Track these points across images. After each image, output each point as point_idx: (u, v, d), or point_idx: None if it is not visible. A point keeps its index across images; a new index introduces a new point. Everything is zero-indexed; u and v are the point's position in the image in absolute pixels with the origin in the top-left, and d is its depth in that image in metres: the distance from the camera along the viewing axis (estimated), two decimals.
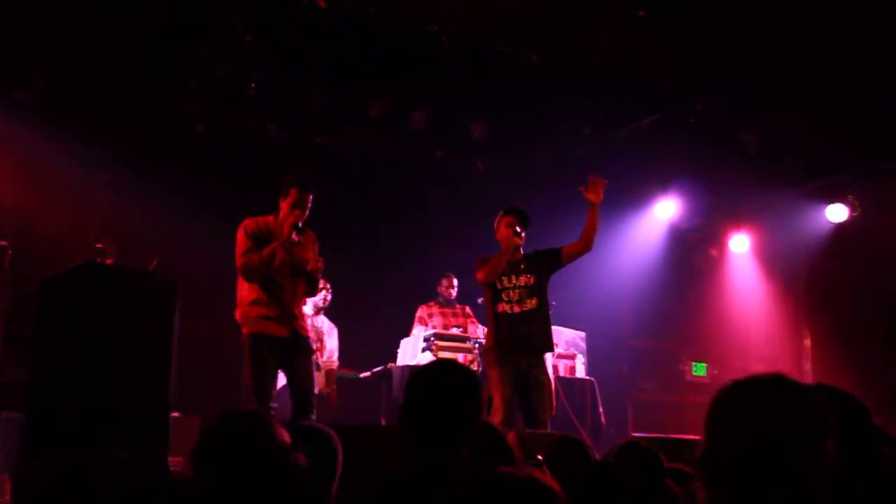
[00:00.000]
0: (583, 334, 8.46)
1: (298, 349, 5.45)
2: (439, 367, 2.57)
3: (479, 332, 7.73)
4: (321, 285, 6.33)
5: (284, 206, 5.47)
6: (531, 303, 5.87)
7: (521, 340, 5.77)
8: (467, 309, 8.24)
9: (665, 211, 9.94)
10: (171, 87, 7.79)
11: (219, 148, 8.50)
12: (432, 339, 7.75)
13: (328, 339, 7.84)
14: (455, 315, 8.18)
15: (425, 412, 2.40)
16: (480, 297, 6.68)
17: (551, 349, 6.09)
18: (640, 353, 10.28)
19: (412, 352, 7.99)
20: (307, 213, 5.47)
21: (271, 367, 5.32)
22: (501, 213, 6.04)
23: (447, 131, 8.67)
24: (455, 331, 7.95)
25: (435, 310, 7.88)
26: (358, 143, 8.83)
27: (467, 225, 9.09)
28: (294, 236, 5.37)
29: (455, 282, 8.21)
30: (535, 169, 9.38)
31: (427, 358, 7.50)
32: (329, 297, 7.60)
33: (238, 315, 5.44)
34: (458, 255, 8.48)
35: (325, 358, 7.78)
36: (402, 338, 8.17)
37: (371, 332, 8.73)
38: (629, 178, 8.56)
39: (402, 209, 9.63)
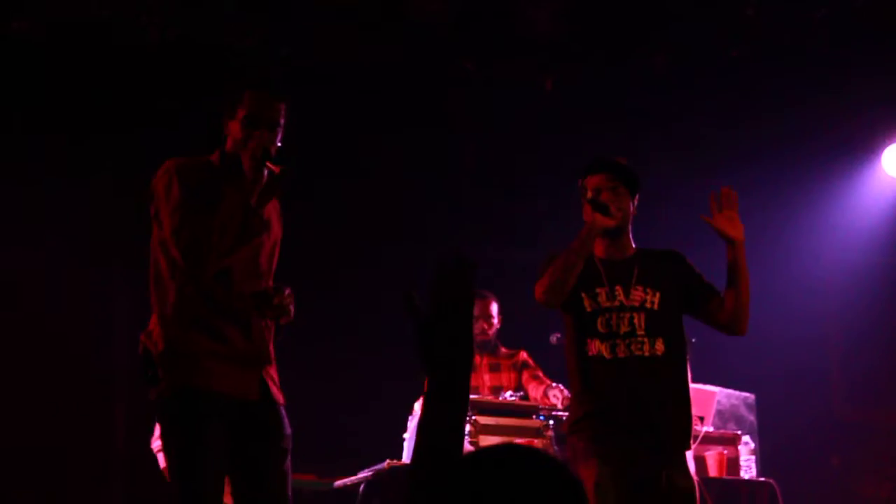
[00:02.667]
0: (750, 398, 6.74)
1: (267, 426, 3.78)
2: (509, 467, 1.87)
3: (553, 396, 6.08)
4: None
5: (236, 127, 3.86)
6: (654, 343, 4.16)
7: (637, 416, 4.12)
8: (522, 356, 6.48)
9: None
10: None
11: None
12: (468, 412, 5.60)
13: None
14: (496, 369, 6.51)
15: None
16: (556, 331, 5.48)
17: (688, 444, 4.30)
18: (860, 433, 8.52)
19: None
20: (279, 137, 3.86)
21: (221, 455, 3.66)
22: (584, 171, 4.36)
23: None
24: (509, 396, 6.01)
25: None
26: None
27: (521, 197, 7.72)
28: (272, 171, 3.81)
29: (494, 308, 6.43)
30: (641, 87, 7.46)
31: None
32: None
33: (157, 345, 3.72)
34: (507, 254, 7.32)
35: None
36: (407, 416, 6.26)
37: (351, 405, 7.29)
38: (829, 109, 7.29)
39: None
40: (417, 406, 6.12)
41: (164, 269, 3.78)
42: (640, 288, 4.22)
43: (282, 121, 3.93)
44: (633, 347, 4.15)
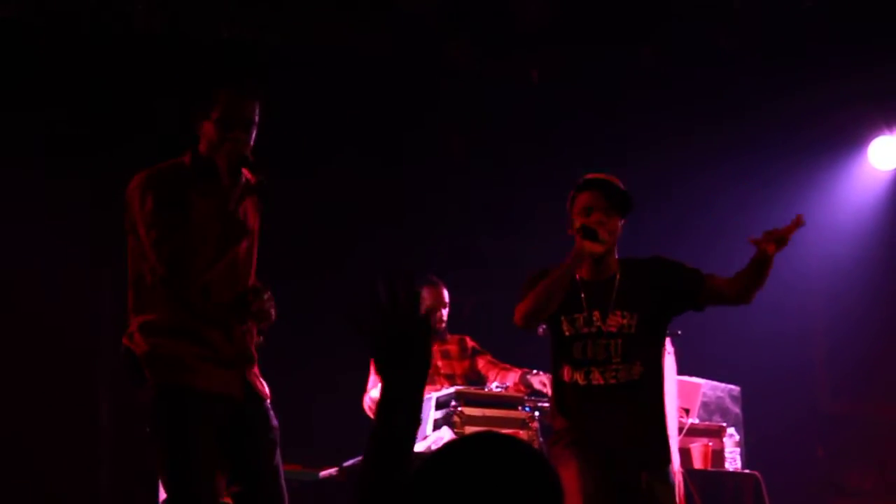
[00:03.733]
0: (735, 390, 6.71)
1: (254, 423, 3.87)
2: (494, 454, 1.89)
3: (538, 384, 5.94)
4: None
5: (210, 127, 3.85)
6: (630, 369, 4.20)
7: (609, 441, 4.18)
8: (470, 342, 6.34)
9: (892, 153, 8.10)
10: None
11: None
12: (453, 403, 5.73)
13: None
14: (448, 356, 6.34)
15: None
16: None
17: (668, 460, 4.36)
18: (845, 425, 8.55)
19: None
20: (253, 137, 3.87)
21: (211, 452, 3.76)
22: (574, 188, 4.30)
23: None
24: (495, 388, 5.95)
25: None
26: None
27: (498, 187, 7.54)
28: (247, 178, 3.85)
29: (446, 296, 6.24)
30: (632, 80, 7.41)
31: (446, 439, 5.64)
32: None
33: (140, 347, 3.78)
34: (494, 245, 7.39)
35: None
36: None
37: (334, 394, 7.03)
38: (815, 102, 7.26)
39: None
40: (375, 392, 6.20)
41: (146, 277, 3.80)
42: (618, 313, 4.21)
43: (256, 119, 3.90)
44: (607, 375, 4.16)
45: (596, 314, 4.22)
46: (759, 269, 4.20)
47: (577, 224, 4.18)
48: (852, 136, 8.10)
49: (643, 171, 6.64)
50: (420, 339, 2.07)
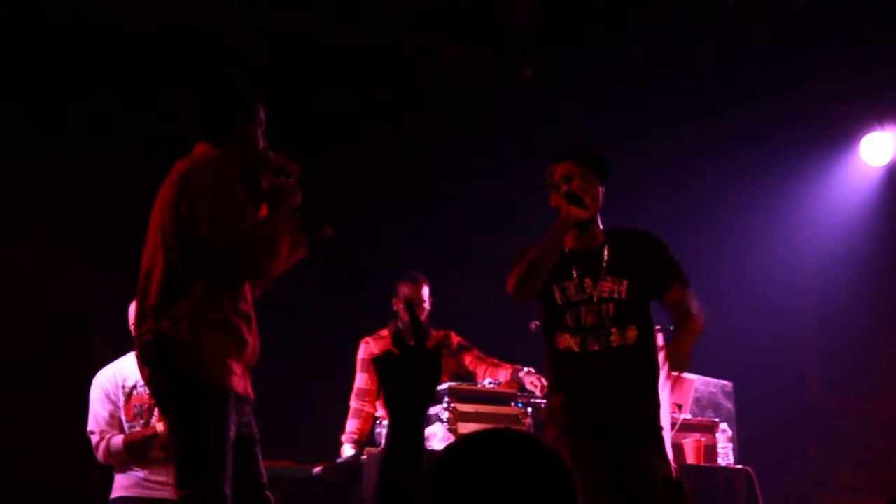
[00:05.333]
0: (728, 385, 6.67)
1: (249, 418, 3.93)
2: (510, 451, 1.91)
3: (529, 384, 5.86)
4: None
5: (254, 131, 3.96)
6: (624, 333, 4.16)
7: (606, 409, 4.14)
8: (456, 339, 6.21)
9: (883, 149, 8.04)
10: None
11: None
12: (446, 399, 5.54)
13: None
14: None
15: None
16: (534, 318, 4.97)
17: (659, 426, 4.32)
18: (837, 422, 8.56)
19: None
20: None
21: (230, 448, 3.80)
22: (551, 160, 4.31)
23: None
24: (487, 384, 5.82)
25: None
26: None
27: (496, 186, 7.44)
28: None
29: (426, 292, 6.13)
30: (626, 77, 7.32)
31: (440, 435, 5.51)
32: None
33: (182, 336, 3.69)
34: (482, 241, 7.10)
35: None
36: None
37: (327, 391, 6.83)
38: (807, 98, 7.20)
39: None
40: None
41: (185, 267, 3.74)
42: (608, 279, 4.20)
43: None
44: (601, 340, 4.15)
45: (587, 281, 4.23)
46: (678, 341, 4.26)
47: (562, 193, 4.15)
48: (844, 132, 8.06)
49: (636, 167, 6.60)
50: (433, 384, 2.13)
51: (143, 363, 3.80)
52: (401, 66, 7.06)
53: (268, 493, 4.02)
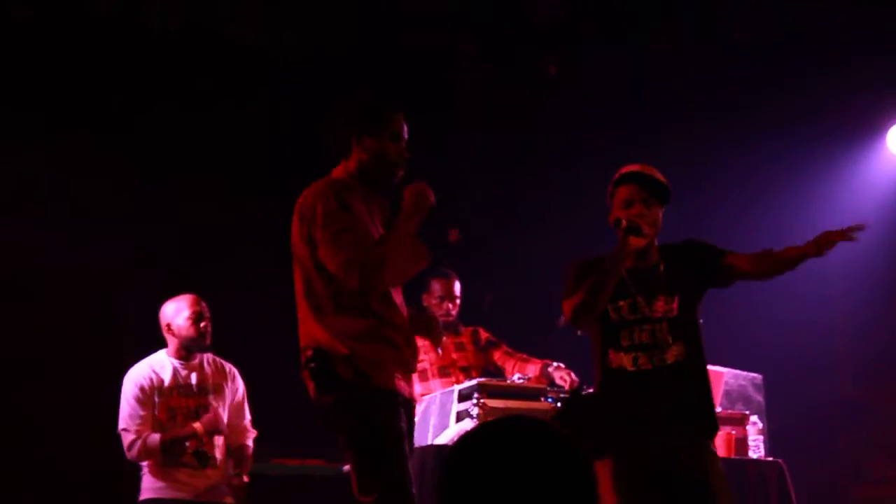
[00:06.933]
0: (758, 378, 6.60)
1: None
2: (526, 438, 1.87)
3: (559, 378, 5.83)
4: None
5: (388, 143, 4.03)
6: (675, 350, 4.17)
7: (656, 423, 4.14)
8: (484, 334, 6.19)
9: None
10: None
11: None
12: (476, 395, 5.43)
13: (230, 389, 5.30)
14: (462, 348, 6.15)
15: None
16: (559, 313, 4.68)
17: (716, 429, 4.33)
18: (867, 412, 8.49)
19: (438, 420, 5.64)
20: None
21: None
22: (614, 178, 4.24)
23: None
24: (517, 379, 5.77)
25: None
26: None
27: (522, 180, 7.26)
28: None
29: (457, 288, 6.09)
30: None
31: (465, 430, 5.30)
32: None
33: (340, 351, 3.85)
34: (509, 238, 7.03)
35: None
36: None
37: None
38: (832, 89, 7.12)
39: None
40: (418, 388, 6.04)
41: (325, 287, 3.88)
42: (661, 298, 4.23)
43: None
44: (655, 359, 4.18)
45: (640, 300, 4.23)
46: (798, 261, 4.18)
47: (619, 217, 4.18)
48: (871, 123, 7.98)
49: (664, 163, 6.58)
50: None
51: (308, 378, 3.94)
52: (426, 63, 7.04)
53: None
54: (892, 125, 7.94)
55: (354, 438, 3.87)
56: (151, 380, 4.87)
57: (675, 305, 4.19)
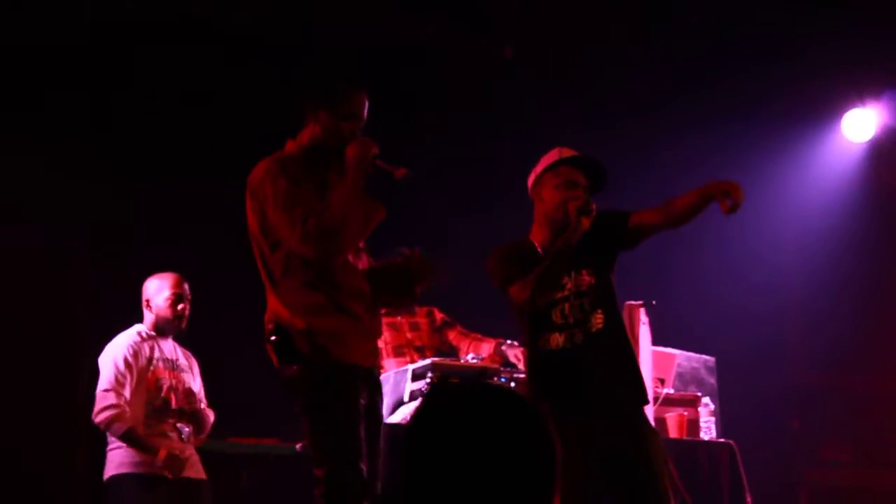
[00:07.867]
0: (710, 360, 6.66)
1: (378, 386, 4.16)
2: (488, 404, 1.85)
3: (513, 357, 5.96)
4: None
5: (343, 120, 4.01)
6: (597, 320, 4.22)
7: (594, 395, 4.18)
8: (439, 315, 6.23)
9: (865, 125, 7.99)
10: None
11: None
12: (429, 374, 5.43)
13: (195, 373, 5.40)
14: (416, 328, 6.21)
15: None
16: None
17: (645, 399, 4.38)
18: (820, 397, 8.53)
19: (392, 399, 5.59)
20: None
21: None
22: (544, 160, 4.30)
23: None
24: (470, 358, 5.83)
25: None
26: None
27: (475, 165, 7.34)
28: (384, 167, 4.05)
29: None
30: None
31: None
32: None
33: (298, 325, 3.91)
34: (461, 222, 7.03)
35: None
36: None
37: None
38: (789, 74, 7.14)
39: None
40: (386, 363, 6.12)
41: (280, 266, 3.91)
42: (583, 272, 4.27)
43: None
44: (585, 331, 4.21)
45: (565, 278, 4.28)
46: (701, 203, 4.17)
47: (560, 199, 4.20)
48: (826, 109, 8.04)
49: (618, 144, 6.56)
50: None
51: (270, 351, 3.96)
52: (379, 46, 7.00)
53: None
54: (847, 111, 8.01)
55: (309, 412, 3.90)
56: (140, 346, 4.93)
57: (593, 277, 4.25)
